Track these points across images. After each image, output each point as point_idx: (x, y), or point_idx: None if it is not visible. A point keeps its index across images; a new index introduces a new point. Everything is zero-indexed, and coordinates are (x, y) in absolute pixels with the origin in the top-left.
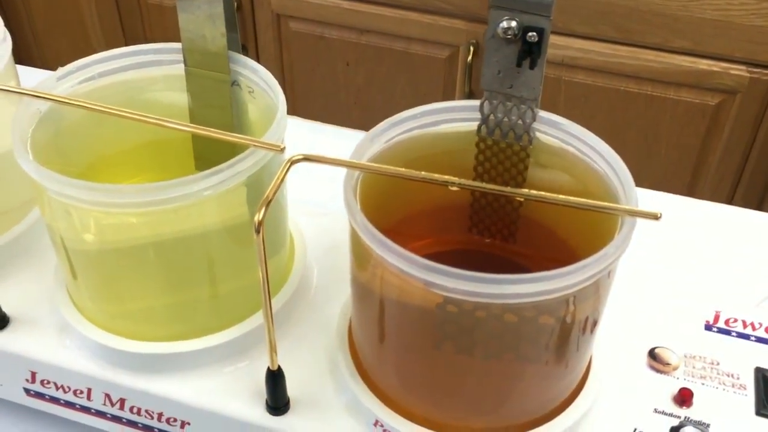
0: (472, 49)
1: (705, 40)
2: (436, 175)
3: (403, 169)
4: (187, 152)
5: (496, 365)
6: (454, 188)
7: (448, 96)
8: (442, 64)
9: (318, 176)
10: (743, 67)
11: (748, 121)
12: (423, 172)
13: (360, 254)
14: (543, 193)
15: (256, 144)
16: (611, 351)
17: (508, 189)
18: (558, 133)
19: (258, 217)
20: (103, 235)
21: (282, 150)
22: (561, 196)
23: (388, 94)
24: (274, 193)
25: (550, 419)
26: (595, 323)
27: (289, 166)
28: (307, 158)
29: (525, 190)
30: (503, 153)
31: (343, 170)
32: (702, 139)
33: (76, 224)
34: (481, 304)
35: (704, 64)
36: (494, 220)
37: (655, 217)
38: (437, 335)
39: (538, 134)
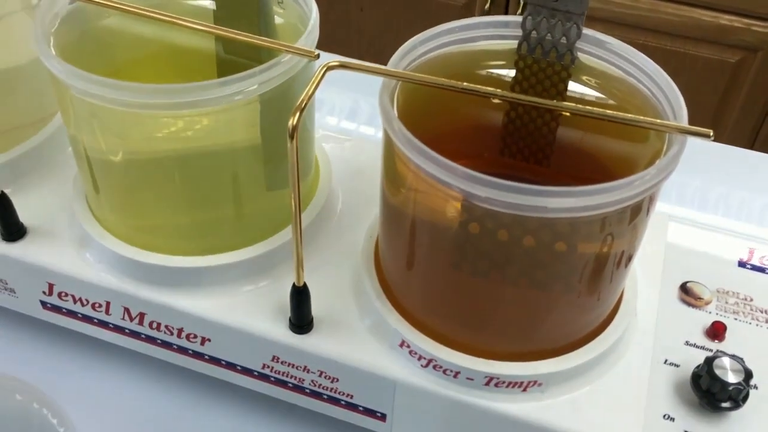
0: None
1: None
2: (478, 86)
3: (444, 80)
4: (209, 66)
5: (527, 292)
6: (496, 101)
7: None
8: (459, 12)
9: (341, 102)
10: (766, 24)
11: None
12: (465, 83)
13: (392, 166)
14: (592, 108)
15: (290, 49)
16: (642, 283)
17: (554, 102)
18: (602, 52)
19: (292, 121)
20: (128, 143)
21: (316, 56)
22: (609, 111)
23: (403, 41)
24: (309, 99)
25: (578, 347)
26: (630, 258)
27: (325, 72)
28: (343, 65)
29: (572, 104)
30: (543, 72)
31: (366, 97)
32: (720, 97)
33: (100, 130)
34: (518, 219)
35: (726, 20)
36: (528, 143)
37: (708, 135)
38: (468, 255)
39: (580, 54)
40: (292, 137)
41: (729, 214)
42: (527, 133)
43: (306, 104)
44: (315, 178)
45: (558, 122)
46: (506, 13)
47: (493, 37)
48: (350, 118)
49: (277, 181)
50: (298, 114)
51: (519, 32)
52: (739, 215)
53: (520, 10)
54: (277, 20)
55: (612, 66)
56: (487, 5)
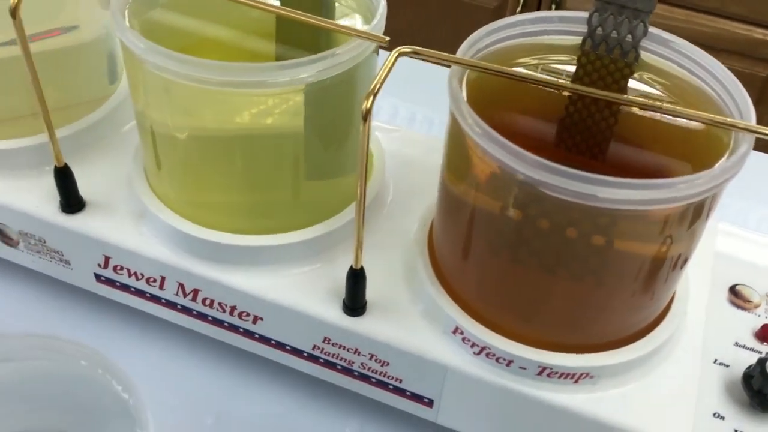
0: (521, 0)
1: (763, 8)
2: (549, 78)
3: (516, 69)
4: (268, 52)
5: (584, 287)
6: (566, 93)
7: None
8: (490, 15)
9: (389, 95)
10: None
11: None
12: (534, 74)
13: (456, 151)
14: (662, 103)
15: (362, 35)
16: (693, 284)
17: (624, 96)
18: (667, 51)
19: (366, 105)
20: (197, 120)
21: (387, 42)
22: (679, 108)
23: (429, 40)
24: (382, 83)
25: (630, 343)
26: (686, 260)
27: (397, 58)
28: (416, 51)
29: (643, 99)
30: (605, 69)
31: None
32: None
33: (171, 105)
34: (581, 212)
35: (759, 33)
36: (585, 137)
37: None
38: (528, 247)
39: (643, 53)
40: (365, 120)
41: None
42: (585, 128)
43: (379, 88)
44: (369, 167)
45: (617, 118)
46: None
47: (557, 32)
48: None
49: (317, 171)
50: (371, 98)
51: (583, 28)
52: None
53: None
54: (339, 11)
55: (676, 65)
56: (519, 9)
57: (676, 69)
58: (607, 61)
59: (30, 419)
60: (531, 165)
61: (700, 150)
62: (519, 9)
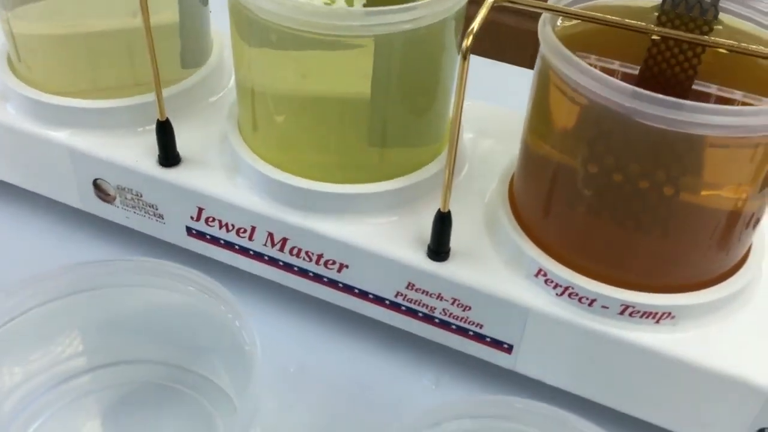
0: None
1: None
2: (638, 23)
3: (609, 16)
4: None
5: (672, 235)
6: (655, 37)
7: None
8: (531, 36)
9: None
10: None
11: None
12: (626, 20)
13: (545, 97)
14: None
15: None
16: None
17: (711, 39)
18: (750, 12)
19: (466, 43)
20: (301, 67)
21: None
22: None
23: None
24: (480, 25)
25: (710, 286)
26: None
27: (493, 4)
28: (511, 1)
29: (727, 41)
30: (684, 27)
31: None
32: None
33: (277, 58)
34: (672, 142)
35: None
36: (664, 87)
37: None
38: (611, 193)
39: (725, 16)
40: (465, 57)
41: None
42: (664, 80)
43: (478, 29)
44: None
45: (696, 72)
46: None
47: None
48: None
49: (379, 136)
50: (470, 37)
51: None
52: None
53: None
54: None
55: (755, 25)
56: None
57: (757, 29)
58: (686, 19)
59: (145, 348)
60: (625, 94)
61: None
62: None
